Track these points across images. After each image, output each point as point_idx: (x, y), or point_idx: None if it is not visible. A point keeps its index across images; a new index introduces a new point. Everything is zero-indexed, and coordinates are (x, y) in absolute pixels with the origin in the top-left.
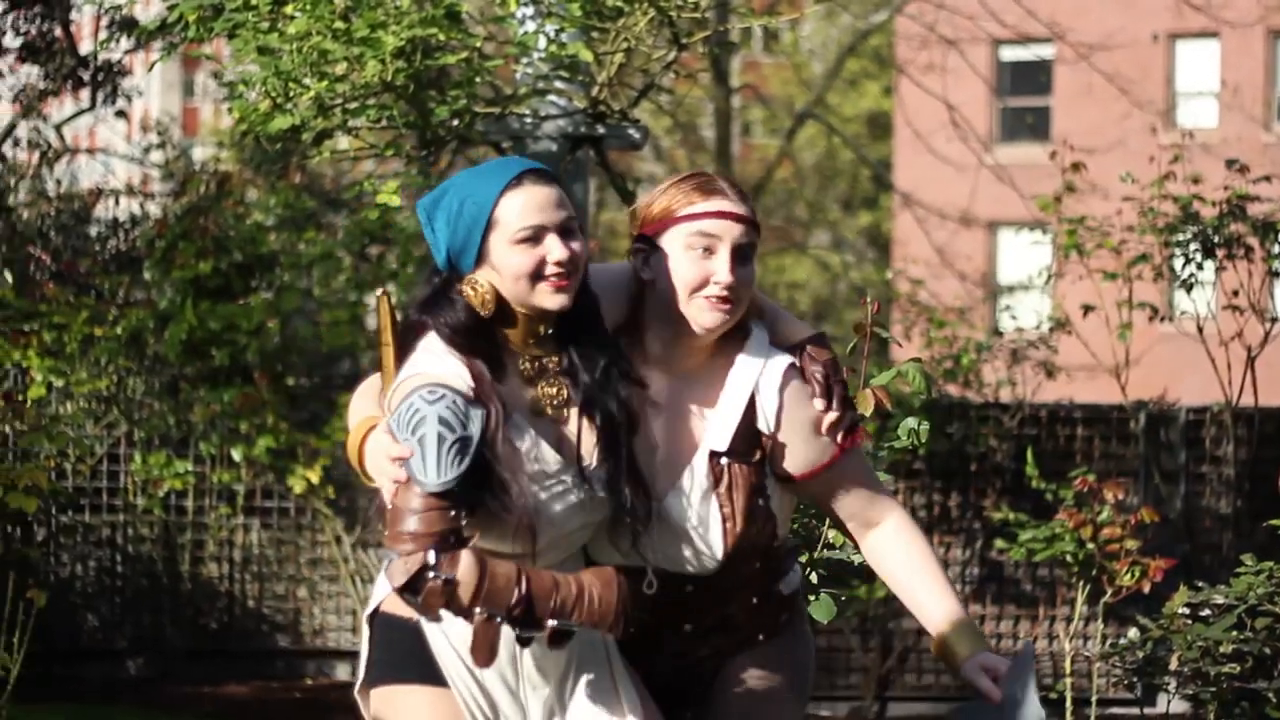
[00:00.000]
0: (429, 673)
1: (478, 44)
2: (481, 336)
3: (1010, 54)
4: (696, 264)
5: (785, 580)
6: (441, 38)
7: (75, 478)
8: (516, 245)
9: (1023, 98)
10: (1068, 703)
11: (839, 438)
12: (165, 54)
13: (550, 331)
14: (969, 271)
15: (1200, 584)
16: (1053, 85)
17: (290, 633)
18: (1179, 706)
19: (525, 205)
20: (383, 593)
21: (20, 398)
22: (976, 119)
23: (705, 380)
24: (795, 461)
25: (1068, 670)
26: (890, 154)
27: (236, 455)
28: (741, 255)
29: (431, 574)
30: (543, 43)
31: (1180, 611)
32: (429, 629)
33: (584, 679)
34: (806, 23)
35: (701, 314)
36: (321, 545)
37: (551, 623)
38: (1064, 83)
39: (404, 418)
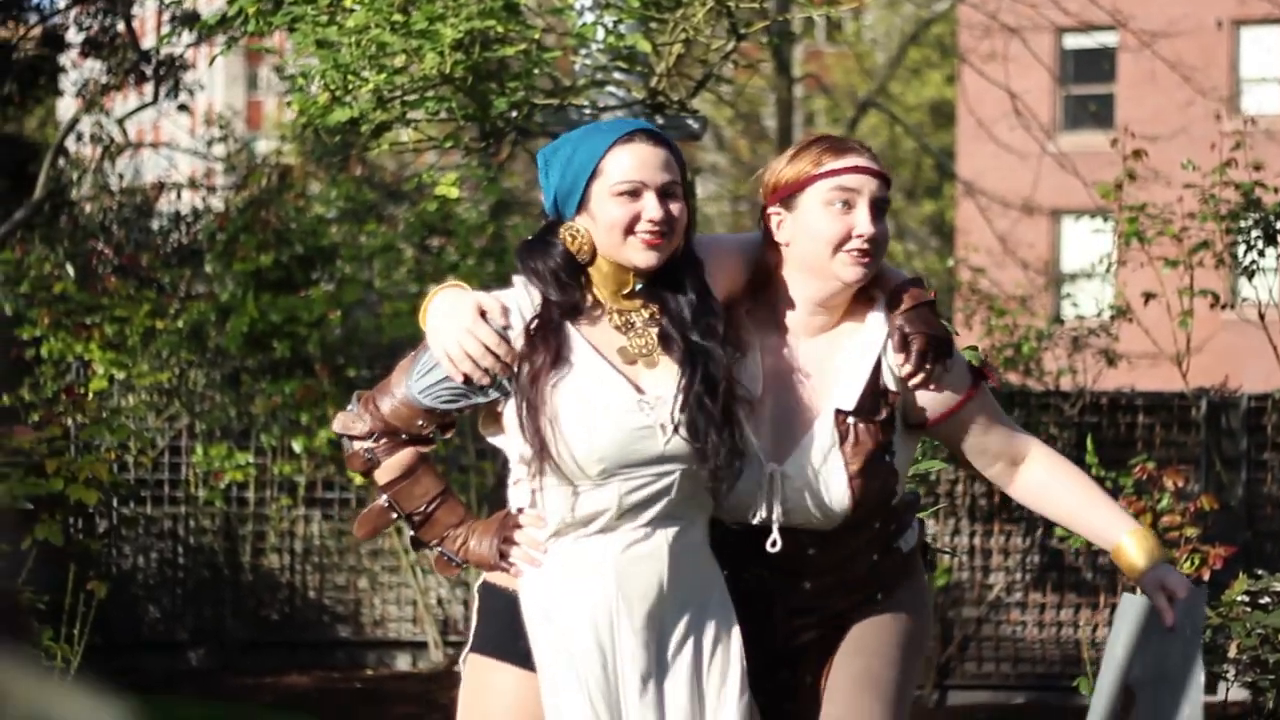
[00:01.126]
0: (520, 654)
1: (536, 36)
2: (570, 283)
3: (1073, 42)
4: (837, 219)
5: (904, 537)
6: (500, 30)
7: (137, 470)
8: (615, 197)
9: (1086, 85)
10: None
11: (956, 373)
12: (226, 48)
13: (638, 287)
14: (1032, 260)
15: (1260, 572)
16: (1116, 73)
17: (351, 624)
18: (1238, 694)
19: (631, 161)
20: None
21: (82, 390)
22: (1040, 107)
23: (836, 341)
24: (929, 407)
25: None
26: (953, 143)
27: (297, 447)
28: (878, 209)
29: (364, 447)
30: (601, 34)
31: (1239, 599)
32: (524, 594)
33: (687, 647)
34: (869, 12)
35: (844, 269)
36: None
37: (438, 549)
38: (1127, 70)
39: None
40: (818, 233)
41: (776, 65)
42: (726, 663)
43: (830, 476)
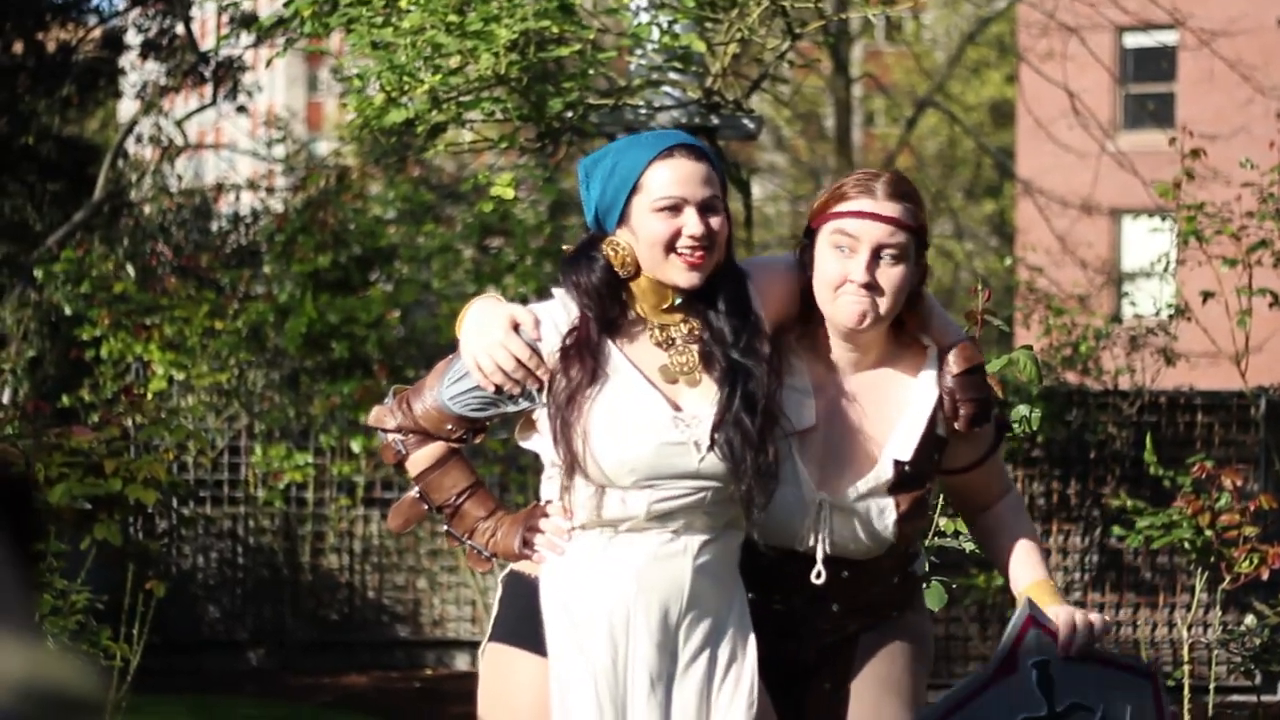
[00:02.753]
0: (542, 641)
1: (591, 36)
2: (610, 298)
3: (1132, 40)
4: (838, 262)
5: (917, 563)
6: (555, 30)
7: (196, 470)
8: (656, 213)
9: (1146, 84)
10: (1185, 690)
11: (987, 430)
12: (282, 50)
13: (678, 302)
14: (1091, 259)
15: None
16: (1176, 71)
17: (410, 623)
18: None
19: (671, 175)
20: None
21: (141, 391)
22: (1099, 106)
23: (887, 384)
24: (968, 456)
25: (1186, 658)
26: (1013, 142)
27: (356, 447)
28: (887, 256)
29: (395, 439)
30: (656, 34)
31: None
32: (544, 580)
33: (702, 657)
34: (927, 11)
35: (839, 312)
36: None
37: (469, 542)
38: (1187, 69)
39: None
40: (819, 272)
41: (834, 65)
42: (739, 679)
43: (881, 516)
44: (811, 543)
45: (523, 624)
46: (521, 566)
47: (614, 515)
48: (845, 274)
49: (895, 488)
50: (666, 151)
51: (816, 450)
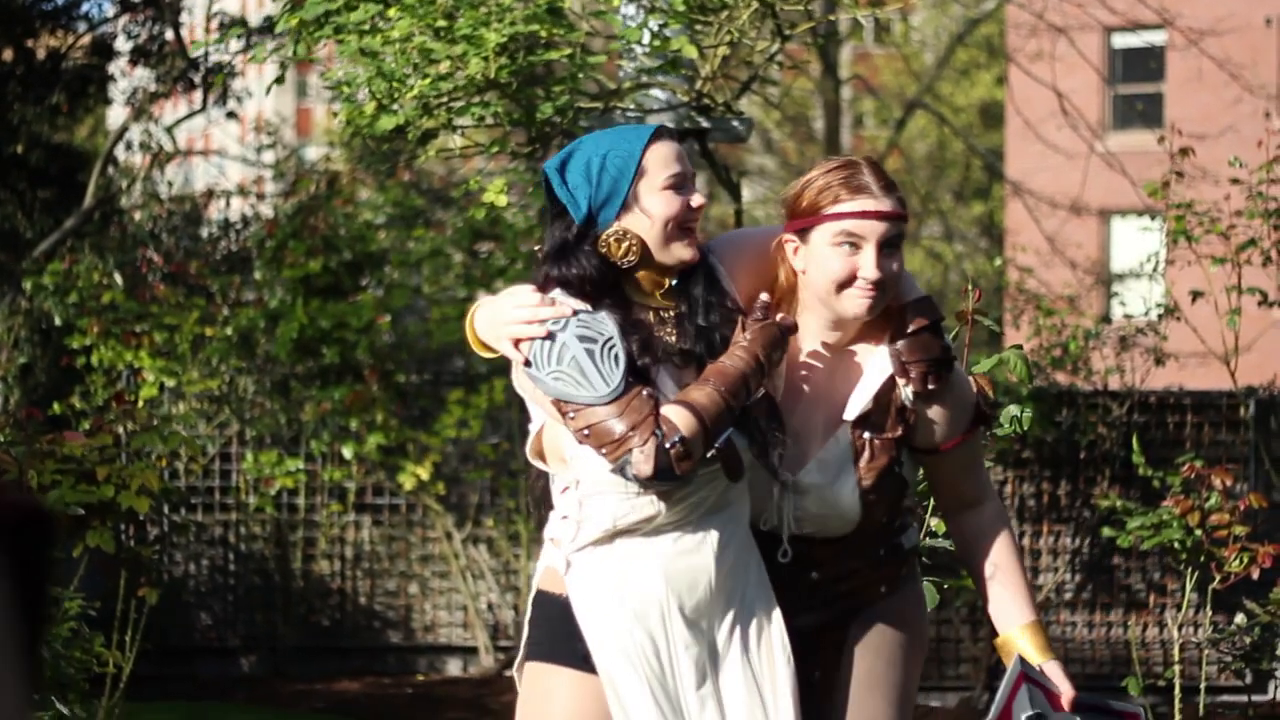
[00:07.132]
0: (576, 655)
1: (581, 39)
2: (608, 288)
3: (1121, 40)
4: (843, 260)
5: (906, 535)
6: (544, 34)
7: (188, 477)
8: (665, 191)
9: (1134, 84)
10: (1176, 690)
11: (955, 401)
12: (279, 78)
13: (674, 283)
14: (1080, 260)
15: None
16: (1164, 71)
17: (402, 629)
18: None
19: (669, 155)
20: (540, 573)
21: (132, 398)
22: (1088, 107)
23: (851, 357)
24: (938, 435)
25: (1176, 658)
26: (1002, 143)
27: (347, 453)
28: (888, 247)
29: (669, 445)
30: (646, 37)
31: None
32: (575, 596)
33: (735, 635)
34: (916, 13)
35: (850, 305)
36: (432, 541)
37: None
38: (1175, 69)
39: (543, 354)
40: (824, 271)
41: (824, 67)
42: (771, 640)
43: (843, 490)
44: (776, 523)
45: (555, 640)
46: (548, 586)
47: (636, 518)
48: (854, 270)
49: (859, 459)
50: (656, 134)
51: (791, 427)
